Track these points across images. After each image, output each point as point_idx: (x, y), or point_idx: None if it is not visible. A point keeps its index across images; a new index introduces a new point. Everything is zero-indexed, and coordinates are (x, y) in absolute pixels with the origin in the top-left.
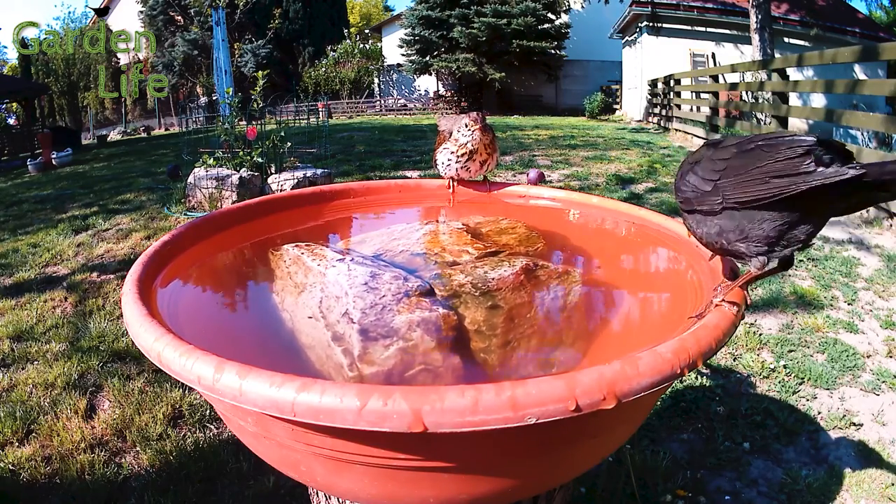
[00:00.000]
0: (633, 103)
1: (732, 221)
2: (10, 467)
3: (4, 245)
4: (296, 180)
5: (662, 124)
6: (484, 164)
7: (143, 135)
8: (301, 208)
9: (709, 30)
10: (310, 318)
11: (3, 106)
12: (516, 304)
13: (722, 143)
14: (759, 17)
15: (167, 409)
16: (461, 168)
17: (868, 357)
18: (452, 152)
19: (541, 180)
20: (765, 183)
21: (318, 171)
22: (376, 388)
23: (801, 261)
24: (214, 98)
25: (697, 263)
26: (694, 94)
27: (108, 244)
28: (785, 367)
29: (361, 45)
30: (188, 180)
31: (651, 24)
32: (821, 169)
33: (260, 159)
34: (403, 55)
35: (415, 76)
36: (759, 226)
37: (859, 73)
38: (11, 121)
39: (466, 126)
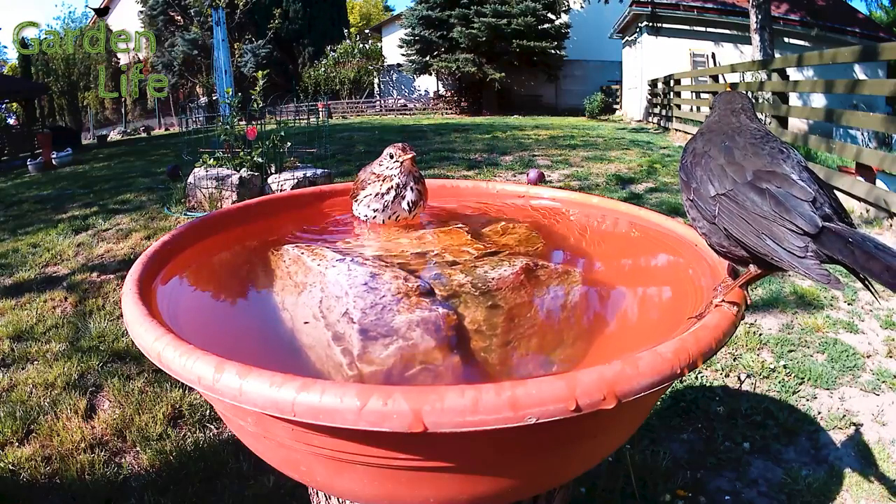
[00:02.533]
0: (633, 103)
1: (719, 237)
2: (10, 467)
3: (4, 245)
4: (296, 180)
5: (662, 124)
6: (415, 205)
7: (143, 135)
8: (301, 208)
9: (709, 30)
10: (310, 318)
11: (3, 106)
12: (516, 304)
13: (739, 146)
14: (759, 17)
15: (167, 409)
16: (387, 210)
17: (868, 357)
18: (377, 194)
19: (541, 180)
20: (758, 237)
21: (318, 171)
22: (376, 388)
23: None
24: (214, 98)
25: (697, 263)
26: (694, 94)
27: (108, 244)
28: (785, 367)
29: (361, 45)
30: (188, 180)
31: (651, 24)
32: (809, 261)
33: (260, 159)
34: (403, 55)
35: (415, 76)
36: (740, 251)
37: (859, 73)
38: (11, 121)
39: (391, 157)
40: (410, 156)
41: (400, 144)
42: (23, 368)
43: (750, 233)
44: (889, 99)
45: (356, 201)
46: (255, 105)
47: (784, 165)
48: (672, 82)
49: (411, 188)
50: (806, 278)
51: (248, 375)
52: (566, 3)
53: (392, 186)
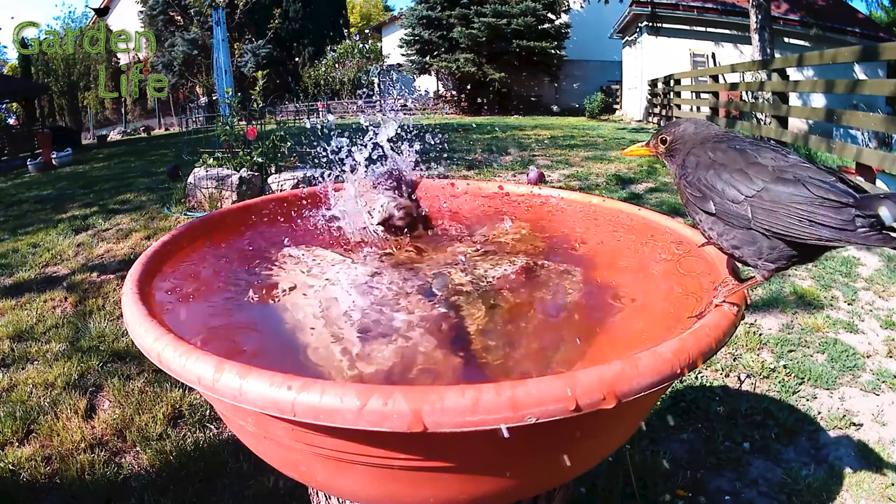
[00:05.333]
0: (633, 103)
1: (753, 242)
2: (10, 467)
3: (4, 245)
4: (296, 180)
5: (662, 124)
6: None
7: (143, 135)
8: (301, 208)
9: (709, 30)
10: (310, 318)
11: (3, 106)
12: (516, 304)
13: (749, 148)
14: (759, 17)
15: (167, 409)
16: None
17: (868, 357)
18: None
19: (541, 180)
20: (811, 225)
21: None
22: (376, 388)
23: None
24: (214, 98)
25: (698, 263)
26: (694, 94)
27: (108, 244)
28: (785, 367)
29: (361, 45)
30: (188, 180)
31: (651, 24)
32: (861, 231)
33: (260, 159)
34: (403, 55)
35: (415, 76)
36: (777, 251)
37: (859, 73)
38: (11, 121)
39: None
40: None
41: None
42: (23, 368)
43: (802, 225)
44: (889, 99)
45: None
46: (255, 105)
47: (793, 157)
48: (672, 82)
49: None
50: (863, 248)
51: (248, 375)
52: (566, 3)
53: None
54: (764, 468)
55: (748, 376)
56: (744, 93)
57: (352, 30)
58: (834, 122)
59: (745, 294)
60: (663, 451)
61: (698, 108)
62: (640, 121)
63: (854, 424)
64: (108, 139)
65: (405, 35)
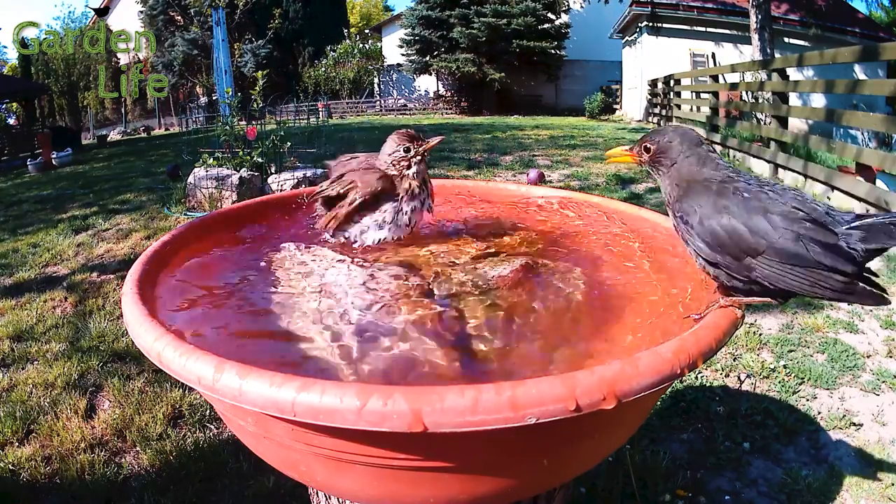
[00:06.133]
0: (633, 103)
1: (750, 287)
2: (10, 467)
3: (4, 245)
4: (296, 180)
5: (662, 124)
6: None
7: (143, 135)
8: (301, 208)
9: (709, 30)
10: (310, 318)
11: (3, 106)
12: (516, 304)
13: (752, 199)
14: (759, 17)
15: (167, 409)
16: (411, 224)
17: (868, 357)
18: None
19: (541, 180)
20: (817, 287)
21: (318, 171)
22: (376, 388)
23: None
24: (214, 98)
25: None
26: (694, 94)
27: (108, 244)
28: (785, 367)
29: (361, 45)
30: (188, 180)
31: (651, 24)
32: (863, 289)
33: (260, 159)
34: (403, 55)
35: (415, 76)
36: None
37: (859, 73)
38: (11, 121)
39: (407, 150)
40: (437, 140)
41: (404, 132)
42: (23, 368)
43: (801, 285)
44: (889, 99)
45: (352, 227)
46: (255, 105)
47: (794, 205)
48: (672, 82)
49: (427, 189)
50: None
51: (248, 375)
52: (566, 3)
53: (415, 192)
54: (764, 468)
55: (748, 376)
56: (744, 93)
57: (352, 30)
58: (834, 122)
59: None
60: (663, 451)
61: (698, 108)
62: (640, 121)
63: (854, 424)
64: (108, 139)
65: (405, 35)
